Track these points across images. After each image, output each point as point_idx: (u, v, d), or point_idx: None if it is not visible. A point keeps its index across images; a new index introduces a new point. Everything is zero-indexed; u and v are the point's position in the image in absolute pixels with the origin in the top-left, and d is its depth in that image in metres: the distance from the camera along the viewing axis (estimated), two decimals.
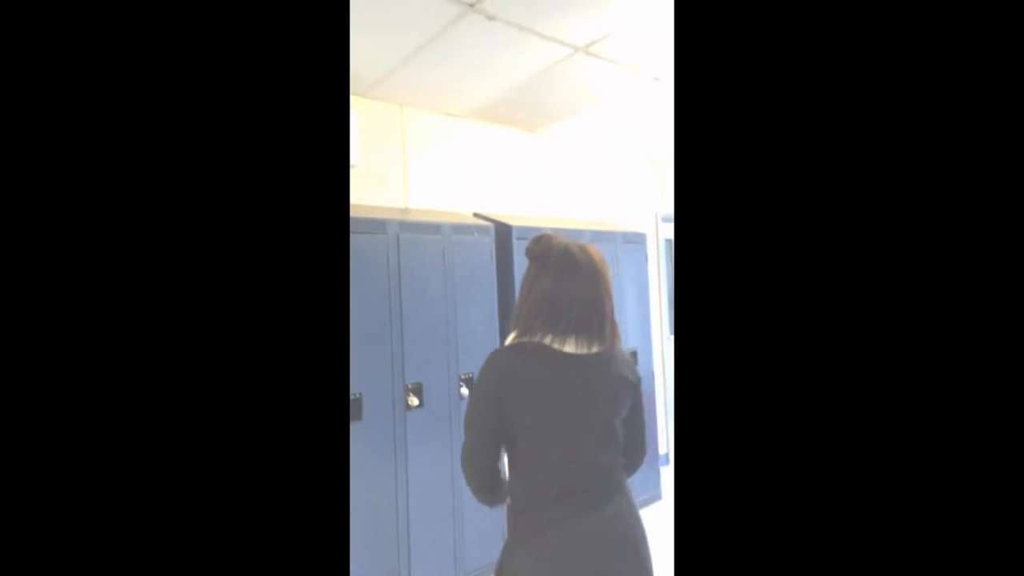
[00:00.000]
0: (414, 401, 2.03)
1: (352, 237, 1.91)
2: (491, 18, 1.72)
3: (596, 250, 0.96)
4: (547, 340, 0.90)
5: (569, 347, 0.91)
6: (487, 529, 2.17)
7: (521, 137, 2.96)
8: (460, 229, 2.24)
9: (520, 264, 2.41)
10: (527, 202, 2.97)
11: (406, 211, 2.40)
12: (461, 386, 2.18)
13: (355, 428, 1.87)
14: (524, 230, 2.45)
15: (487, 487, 0.96)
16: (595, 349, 0.93)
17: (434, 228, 2.15)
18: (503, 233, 2.41)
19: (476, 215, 2.62)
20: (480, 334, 2.27)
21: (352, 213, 2.02)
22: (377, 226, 1.99)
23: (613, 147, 3.40)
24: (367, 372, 1.92)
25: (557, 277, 0.92)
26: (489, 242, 2.34)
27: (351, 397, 1.88)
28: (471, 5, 1.64)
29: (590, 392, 0.91)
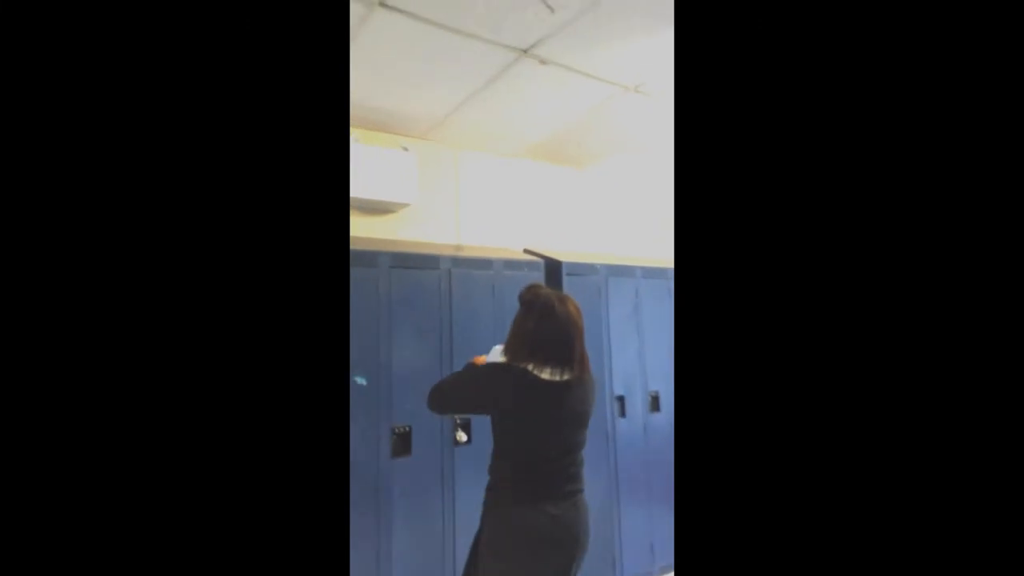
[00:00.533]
0: (462, 437, 2.03)
1: (407, 272, 1.99)
2: (544, 62, 1.79)
3: (573, 301, 1.28)
4: (529, 367, 1.20)
5: (545, 374, 1.20)
6: None
7: (570, 174, 3.01)
8: (511, 264, 2.27)
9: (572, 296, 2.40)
10: (576, 237, 2.99)
11: (459, 248, 2.47)
12: None
13: (404, 463, 1.89)
14: (574, 266, 2.46)
15: (441, 413, 1.47)
16: (566, 377, 1.21)
17: (485, 263, 2.19)
18: (554, 268, 2.43)
19: (527, 251, 2.65)
20: None
21: (407, 249, 2.10)
22: (431, 261, 2.06)
23: (663, 182, 3.39)
24: (418, 405, 1.95)
25: (539, 320, 1.23)
26: (539, 277, 2.36)
27: (401, 431, 1.90)
28: (524, 51, 1.72)
29: (559, 409, 1.20)
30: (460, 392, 1.29)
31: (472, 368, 1.32)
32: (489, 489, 1.27)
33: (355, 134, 2.17)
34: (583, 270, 2.48)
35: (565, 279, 2.42)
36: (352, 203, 2.19)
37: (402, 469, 1.88)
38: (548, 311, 1.24)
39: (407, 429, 1.92)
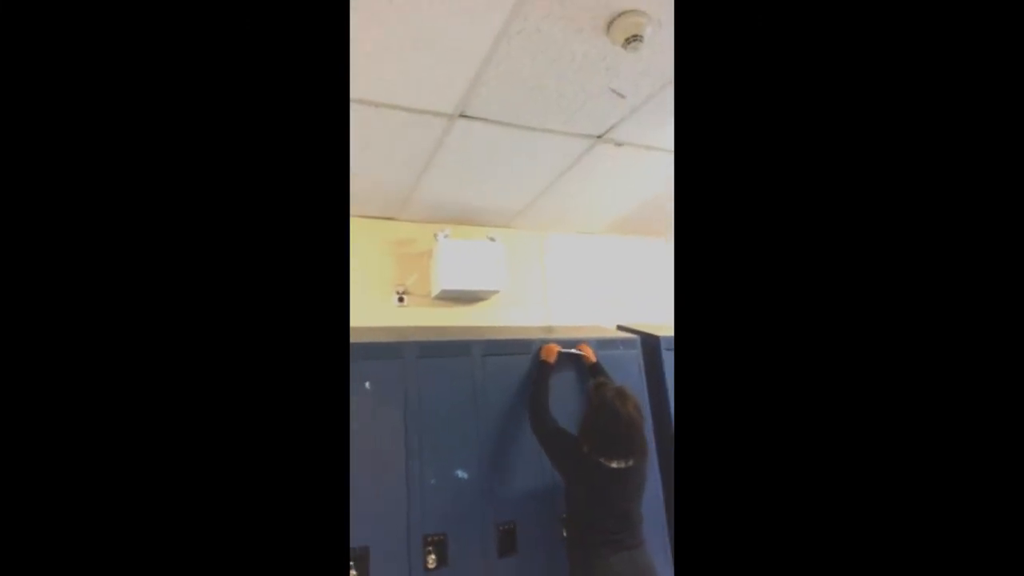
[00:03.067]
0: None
1: (499, 359, 2.02)
2: (619, 144, 1.85)
3: (634, 400, 1.68)
4: (600, 460, 1.62)
5: (613, 464, 1.62)
6: None
7: (657, 245, 2.98)
8: (605, 343, 2.23)
9: (671, 375, 2.28)
10: (667, 310, 2.89)
11: (550, 329, 2.48)
12: None
13: (510, 562, 1.81)
14: (672, 340, 2.36)
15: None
16: (630, 463, 1.63)
17: (579, 342, 2.17)
18: (651, 344, 2.35)
19: (620, 327, 2.60)
20: None
21: (497, 335, 2.15)
22: (522, 347, 2.08)
23: None
24: (525, 498, 1.89)
25: (607, 421, 1.63)
26: (636, 355, 2.28)
27: (506, 527, 1.84)
28: (599, 137, 1.80)
29: (620, 488, 1.64)
30: (548, 443, 1.80)
31: (555, 430, 1.81)
32: (574, 545, 1.70)
33: (445, 229, 2.34)
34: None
35: (663, 353, 2.32)
36: (443, 295, 2.32)
37: (507, 569, 1.80)
38: (612, 411, 1.63)
39: (512, 526, 1.85)
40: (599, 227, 2.75)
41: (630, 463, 1.63)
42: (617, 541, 1.60)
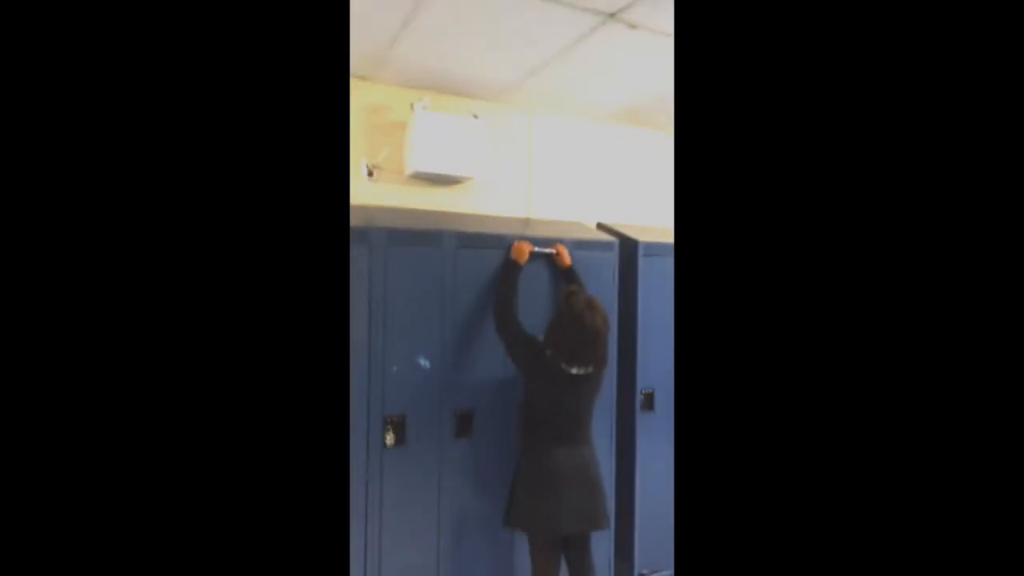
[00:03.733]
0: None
1: (470, 252, 1.95)
2: (633, 27, 1.60)
3: (602, 312, 1.71)
4: (562, 365, 1.69)
5: (572, 370, 1.69)
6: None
7: (656, 139, 2.78)
8: (582, 245, 2.17)
9: (644, 282, 2.28)
10: (660, 209, 2.79)
11: (527, 222, 2.38)
12: None
13: (466, 443, 1.93)
14: (652, 246, 2.31)
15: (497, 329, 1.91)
16: (588, 371, 1.71)
17: (555, 242, 2.10)
18: (629, 249, 2.30)
19: (600, 226, 2.52)
20: None
21: (472, 225, 2.05)
22: (497, 241, 2.00)
23: None
24: (482, 389, 1.97)
25: (572, 328, 1.67)
26: (612, 258, 2.24)
27: (463, 413, 1.94)
28: (611, 15, 1.53)
29: (578, 393, 1.74)
30: (511, 344, 1.83)
31: (518, 332, 1.83)
32: (524, 447, 1.79)
33: (423, 99, 2.09)
34: (661, 251, 2.32)
35: (641, 260, 2.28)
36: (417, 175, 2.15)
37: (462, 448, 1.93)
38: (579, 322, 1.65)
39: (470, 412, 1.95)
40: (597, 114, 2.51)
41: (589, 370, 1.70)
42: (565, 437, 1.72)
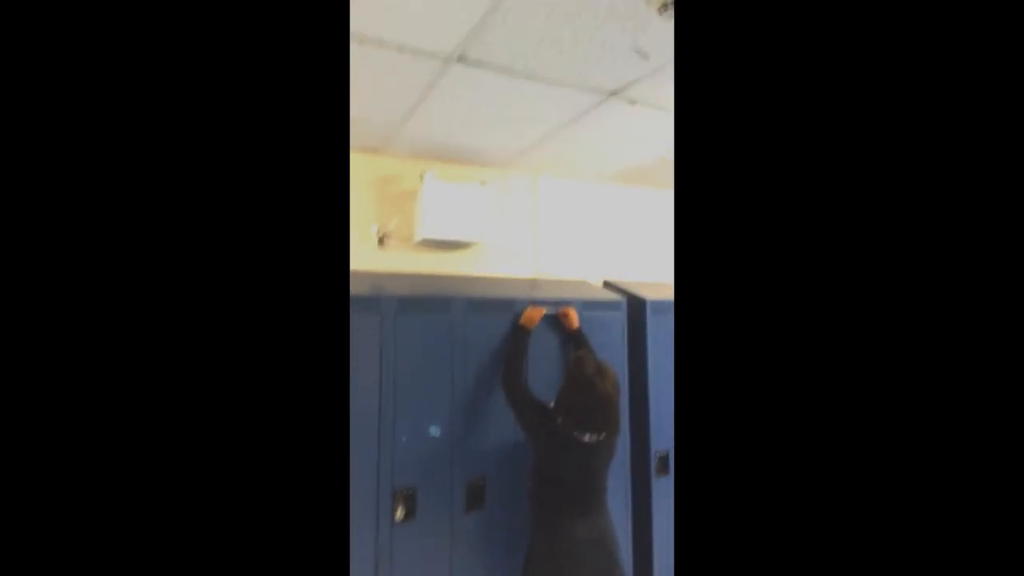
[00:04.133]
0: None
1: (480, 317, 1.97)
2: (633, 103, 1.67)
3: (612, 377, 1.68)
4: (574, 433, 1.64)
5: (585, 438, 1.64)
6: None
7: (658, 196, 2.85)
8: (591, 305, 2.19)
9: (653, 340, 2.28)
10: (666, 264, 2.83)
11: (535, 282, 2.42)
12: None
13: (478, 516, 1.89)
14: (660, 304, 2.32)
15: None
16: (601, 438, 1.65)
17: (564, 304, 2.12)
18: (636, 307, 2.31)
19: (607, 284, 2.55)
20: None
21: (481, 287, 2.08)
22: (506, 306, 2.02)
23: None
24: (493, 456, 1.94)
25: (584, 395, 1.64)
26: (621, 317, 2.25)
27: (478, 482, 1.90)
28: (612, 93, 1.61)
29: (591, 461, 1.68)
30: (520, 411, 1.81)
31: (527, 400, 1.81)
32: (537, 505, 1.74)
33: (432, 169, 2.17)
34: (669, 308, 2.34)
35: (649, 318, 2.29)
36: (426, 241, 2.20)
37: (473, 522, 1.89)
38: (591, 389, 1.64)
39: (482, 481, 1.91)
40: (601, 176, 2.59)
41: (602, 437, 1.68)
42: (580, 507, 1.68)
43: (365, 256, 2.18)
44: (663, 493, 2.24)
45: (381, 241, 2.20)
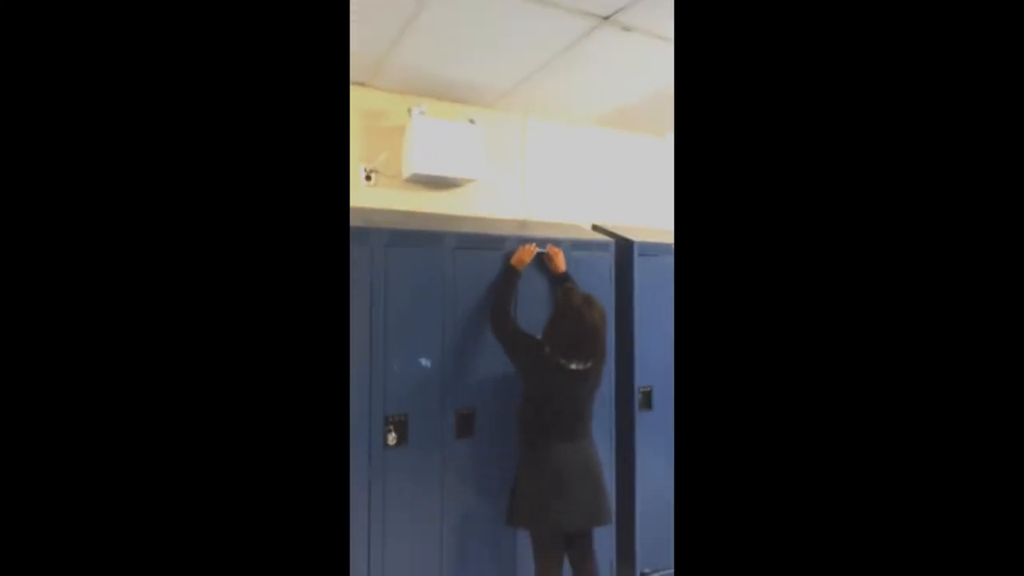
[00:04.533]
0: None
1: (471, 253, 1.98)
2: (627, 29, 1.66)
3: (599, 308, 1.74)
4: (561, 361, 1.71)
5: (572, 365, 1.72)
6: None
7: (648, 143, 2.85)
8: (579, 245, 2.21)
9: (640, 281, 2.32)
10: (652, 211, 2.85)
11: (524, 224, 2.43)
12: None
13: (466, 443, 1.95)
14: (646, 246, 2.36)
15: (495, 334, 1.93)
16: (587, 366, 1.73)
17: (552, 243, 2.14)
18: (624, 249, 2.34)
19: (595, 227, 2.57)
20: None
21: (470, 227, 2.09)
22: (495, 243, 2.04)
23: None
24: (482, 388, 1.99)
25: (572, 326, 1.71)
26: (608, 258, 2.29)
27: (465, 412, 1.95)
28: (605, 18, 1.60)
29: (577, 388, 1.75)
30: (509, 344, 1.85)
31: (516, 332, 1.85)
32: (525, 439, 1.79)
33: (420, 105, 2.14)
34: (655, 250, 2.37)
35: (636, 260, 2.33)
36: (414, 178, 2.19)
37: (463, 448, 1.95)
38: (579, 319, 1.69)
39: (471, 411, 1.97)
40: (590, 118, 2.58)
41: (588, 365, 1.73)
42: (566, 433, 1.75)
43: (353, 193, 2.16)
44: (645, 427, 2.33)
45: (368, 177, 2.18)
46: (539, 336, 1.82)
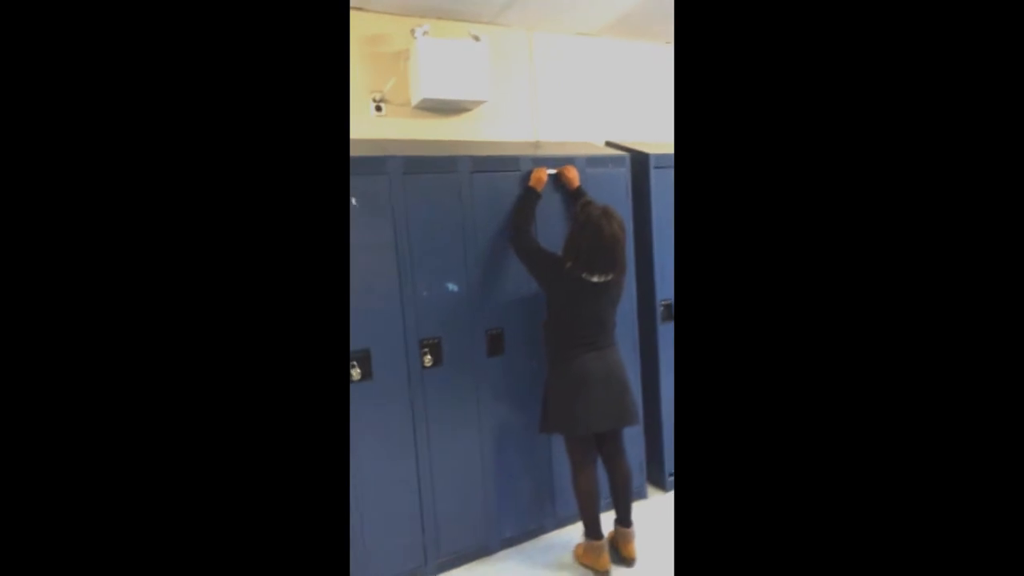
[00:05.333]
0: None
1: (486, 176, 1.99)
2: None
3: (618, 219, 1.77)
4: (583, 273, 1.76)
5: (594, 278, 1.76)
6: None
7: (658, 51, 2.74)
8: (594, 161, 2.20)
9: (657, 194, 2.32)
10: (665, 122, 2.79)
11: (537, 145, 2.40)
12: None
13: (499, 360, 2.04)
14: (662, 158, 2.33)
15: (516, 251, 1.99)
16: (608, 278, 1.78)
17: (567, 162, 2.14)
18: (640, 162, 2.32)
19: (609, 143, 2.54)
20: None
21: (484, 151, 2.08)
22: (510, 163, 2.04)
23: None
24: (509, 309, 2.06)
25: (591, 238, 1.74)
26: (625, 173, 2.28)
27: (495, 332, 2.03)
28: None
29: (600, 300, 1.81)
30: (530, 263, 1.90)
31: (538, 250, 1.90)
32: (552, 351, 1.88)
33: (423, 25, 2.07)
34: (671, 162, 2.35)
35: (653, 172, 2.32)
36: (424, 103, 2.16)
37: (495, 366, 2.04)
38: (598, 231, 1.72)
39: (500, 331, 2.04)
40: (595, 26, 2.48)
41: (609, 277, 1.77)
42: (591, 343, 1.82)
43: (364, 124, 2.14)
44: (668, 339, 2.40)
45: (379, 108, 2.16)
46: (560, 252, 1.85)
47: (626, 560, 1.95)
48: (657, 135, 2.75)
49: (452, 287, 1.96)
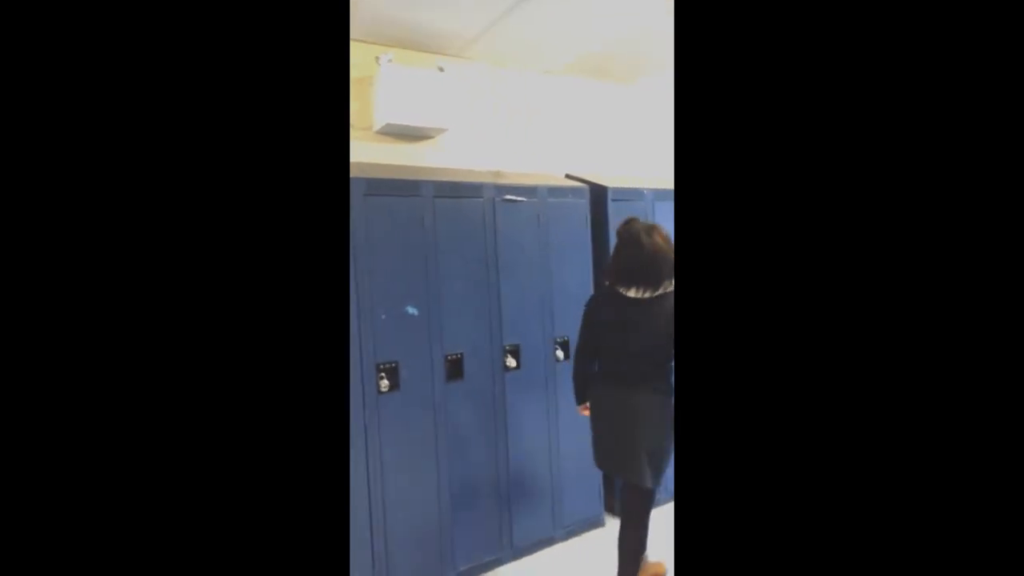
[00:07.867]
0: (512, 363, 2.15)
1: (450, 201, 2.03)
2: None
3: (663, 232, 1.67)
4: (619, 288, 1.68)
5: (631, 293, 1.66)
6: (586, 481, 2.29)
7: (618, 91, 2.91)
8: (555, 192, 2.28)
9: (615, 225, 2.41)
10: (623, 160, 2.94)
11: (499, 174, 2.48)
12: (556, 349, 2.28)
13: (458, 385, 2.04)
14: (619, 191, 2.45)
15: (577, 385, 1.89)
16: (647, 295, 1.64)
17: (529, 191, 2.21)
18: (599, 195, 2.43)
19: (569, 176, 2.64)
20: (576, 297, 2.33)
21: (448, 177, 2.13)
22: (474, 190, 2.09)
23: None
24: (467, 334, 2.07)
25: (628, 250, 1.67)
26: (584, 204, 2.37)
27: (453, 357, 2.03)
28: None
29: (638, 319, 1.66)
30: (578, 339, 1.84)
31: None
32: (595, 389, 1.80)
33: (388, 53, 2.13)
34: (628, 195, 2.47)
35: (610, 204, 2.42)
36: (386, 129, 2.20)
37: (456, 393, 2.04)
38: (635, 243, 1.66)
39: (459, 356, 2.05)
40: (558, 65, 2.62)
41: (647, 295, 1.64)
42: (619, 375, 1.69)
43: None
44: None
45: None
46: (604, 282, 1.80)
47: None
48: (613, 170, 2.89)
49: (412, 310, 1.96)
